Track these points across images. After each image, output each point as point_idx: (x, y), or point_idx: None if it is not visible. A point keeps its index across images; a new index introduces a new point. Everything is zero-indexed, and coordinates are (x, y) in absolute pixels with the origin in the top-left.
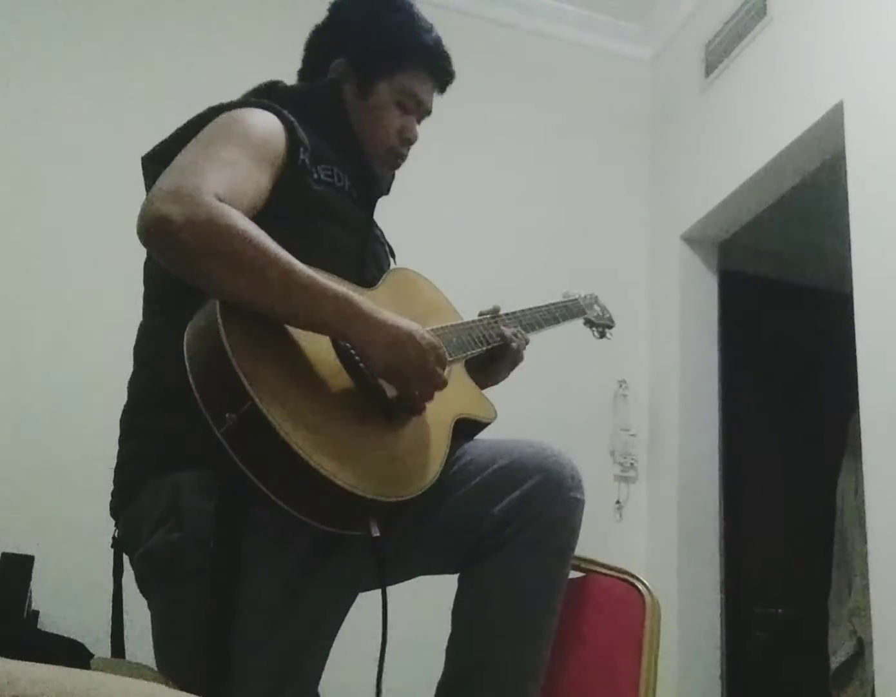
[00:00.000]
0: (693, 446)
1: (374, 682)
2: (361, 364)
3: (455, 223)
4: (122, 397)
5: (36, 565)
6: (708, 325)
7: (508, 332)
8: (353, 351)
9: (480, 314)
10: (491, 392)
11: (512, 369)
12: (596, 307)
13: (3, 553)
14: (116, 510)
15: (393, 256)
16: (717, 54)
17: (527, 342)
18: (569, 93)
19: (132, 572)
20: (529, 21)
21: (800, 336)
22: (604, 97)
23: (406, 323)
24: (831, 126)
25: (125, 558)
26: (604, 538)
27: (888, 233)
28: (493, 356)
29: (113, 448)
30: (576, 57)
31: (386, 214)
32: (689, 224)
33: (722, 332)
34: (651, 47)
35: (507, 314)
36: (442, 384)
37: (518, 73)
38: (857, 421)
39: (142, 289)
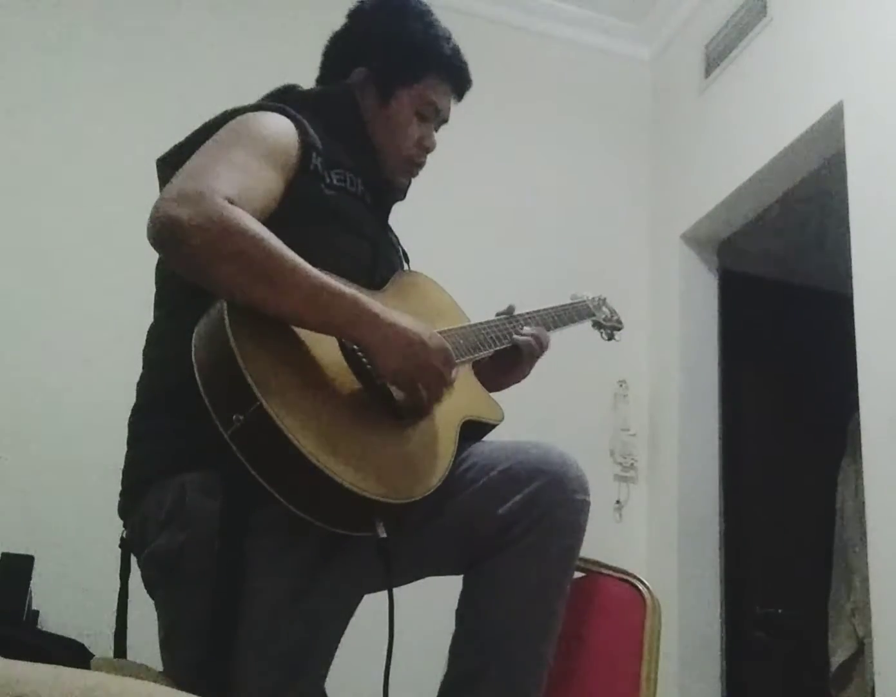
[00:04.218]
0: (693, 446)
1: (381, 682)
2: (368, 366)
3: (454, 223)
4: (122, 398)
5: (36, 565)
6: (708, 325)
7: (522, 339)
8: (359, 353)
9: (497, 315)
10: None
11: (526, 373)
12: (604, 309)
13: (3, 553)
14: (125, 510)
15: (407, 260)
16: (717, 54)
17: (547, 342)
18: (569, 93)
19: (137, 573)
20: (529, 21)
21: (800, 336)
22: (604, 97)
23: (414, 325)
24: (831, 126)
25: (132, 558)
26: (604, 538)
27: (888, 233)
28: (505, 358)
29: (113, 448)
30: (576, 57)
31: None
32: (689, 224)
33: (722, 332)
34: (650, 47)
35: (515, 316)
36: (449, 386)
37: (517, 73)
38: (857, 421)
39: (152, 290)
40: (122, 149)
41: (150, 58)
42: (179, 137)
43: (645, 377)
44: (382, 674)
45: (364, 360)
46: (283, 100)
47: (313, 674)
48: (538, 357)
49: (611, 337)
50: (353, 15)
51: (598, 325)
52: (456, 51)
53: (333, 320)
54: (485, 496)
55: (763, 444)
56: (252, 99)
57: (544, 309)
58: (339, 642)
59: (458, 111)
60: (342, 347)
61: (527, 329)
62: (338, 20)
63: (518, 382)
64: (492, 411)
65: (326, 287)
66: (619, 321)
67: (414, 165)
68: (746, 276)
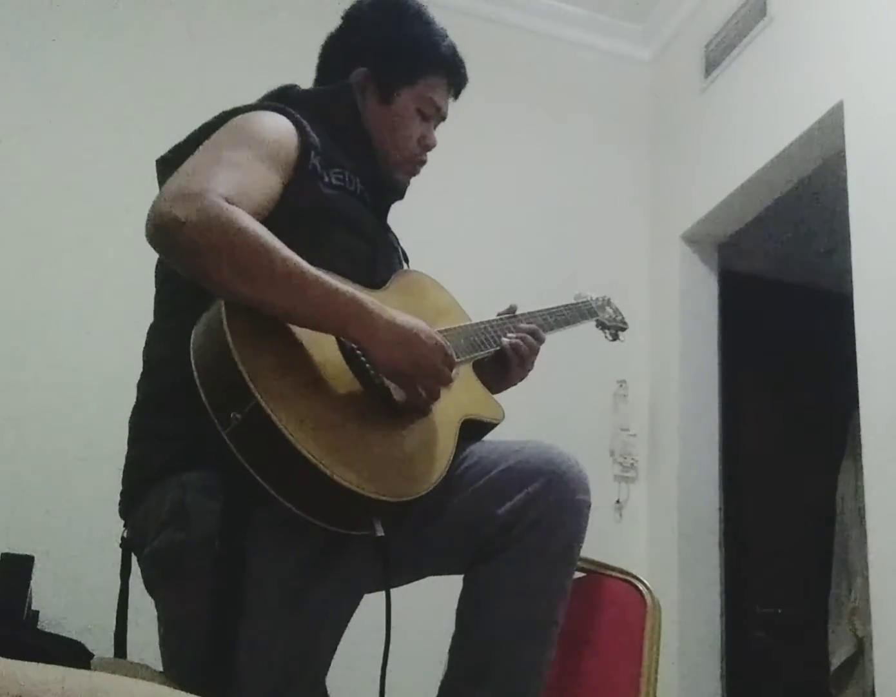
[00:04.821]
0: (693, 446)
1: (377, 682)
2: (367, 365)
3: (454, 224)
4: (123, 398)
5: (36, 565)
6: (708, 325)
7: (506, 342)
8: (358, 351)
9: (499, 315)
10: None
11: (521, 373)
12: (608, 309)
13: (3, 553)
14: (125, 510)
15: (406, 260)
16: (717, 54)
17: (540, 342)
18: (569, 93)
19: (137, 573)
20: (529, 21)
21: (800, 336)
22: (604, 97)
23: (412, 322)
24: (831, 126)
25: (133, 558)
26: (604, 538)
27: (888, 233)
28: (501, 360)
29: (114, 448)
30: (576, 57)
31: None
32: (689, 224)
33: (722, 332)
34: (651, 48)
35: (517, 316)
36: (448, 383)
37: (518, 73)
38: (857, 421)
39: (153, 290)
40: (122, 149)
41: (149, 59)
42: (179, 137)
43: (645, 377)
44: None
45: (363, 359)
46: (282, 100)
47: (314, 673)
48: (528, 359)
49: (615, 337)
50: (350, 15)
51: (601, 325)
52: (454, 49)
53: (332, 319)
54: (485, 496)
55: (763, 444)
56: (251, 99)
57: (547, 309)
58: (339, 641)
59: (459, 112)
60: (341, 345)
61: (510, 334)
62: (335, 22)
63: (514, 384)
64: (492, 410)
65: (324, 286)
66: (623, 321)
67: (416, 164)
68: (746, 276)
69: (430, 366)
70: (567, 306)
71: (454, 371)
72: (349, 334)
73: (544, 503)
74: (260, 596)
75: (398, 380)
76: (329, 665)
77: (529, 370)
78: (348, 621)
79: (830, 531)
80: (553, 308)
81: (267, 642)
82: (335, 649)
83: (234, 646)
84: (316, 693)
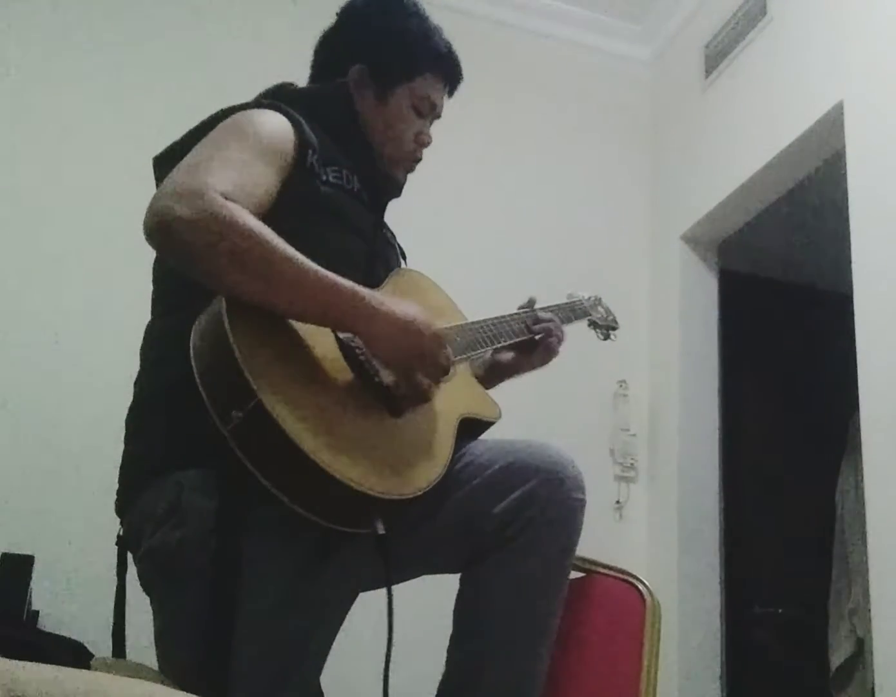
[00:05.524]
0: (693, 446)
1: (379, 680)
2: (366, 364)
3: (454, 223)
4: (123, 397)
5: (36, 565)
6: (708, 325)
7: (538, 326)
8: (356, 349)
9: (520, 308)
10: (491, 391)
11: (542, 360)
12: (600, 309)
13: (3, 553)
14: (121, 508)
15: (404, 258)
16: (717, 54)
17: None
18: (569, 93)
19: (134, 571)
20: (529, 21)
21: (800, 336)
22: (604, 97)
23: (410, 311)
24: (831, 126)
25: (129, 556)
26: (604, 538)
27: (888, 233)
28: (522, 346)
29: (113, 448)
30: (576, 57)
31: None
32: (689, 224)
33: (722, 332)
34: (651, 48)
35: (513, 315)
36: (446, 372)
37: (518, 73)
38: (857, 421)
39: (150, 288)
40: (120, 147)
41: (148, 59)
42: (176, 135)
43: (645, 377)
44: (382, 674)
45: (361, 357)
46: (278, 97)
47: (308, 672)
48: (555, 345)
49: (606, 337)
50: (345, 13)
51: (593, 324)
52: (449, 46)
53: (331, 313)
54: (481, 495)
55: (763, 444)
56: (248, 97)
57: (541, 308)
58: (334, 639)
59: (460, 111)
60: (339, 343)
61: (544, 315)
62: (327, 21)
63: (526, 370)
64: (489, 409)
65: (323, 280)
66: (614, 321)
67: (412, 161)
68: (746, 276)
69: (429, 354)
70: (560, 305)
71: (451, 370)
72: (350, 328)
73: (540, 502)
74: (256, 594)
75: (398, 371)
76: (324, 663)
77: (551, 358)
78: (343, 619)
79: (830, 530)
80: (546, 308)
81: (263, 640)
82: (330, 646)
83: (229, 644)
84: (311, 691)
